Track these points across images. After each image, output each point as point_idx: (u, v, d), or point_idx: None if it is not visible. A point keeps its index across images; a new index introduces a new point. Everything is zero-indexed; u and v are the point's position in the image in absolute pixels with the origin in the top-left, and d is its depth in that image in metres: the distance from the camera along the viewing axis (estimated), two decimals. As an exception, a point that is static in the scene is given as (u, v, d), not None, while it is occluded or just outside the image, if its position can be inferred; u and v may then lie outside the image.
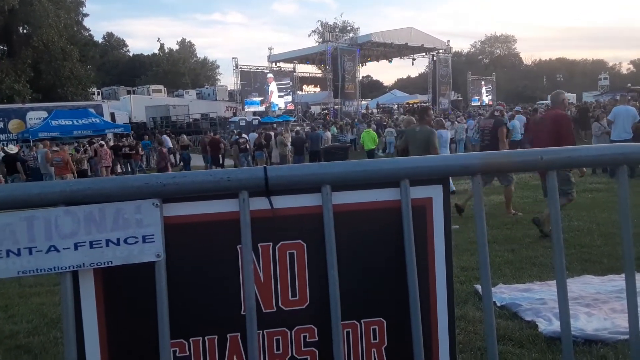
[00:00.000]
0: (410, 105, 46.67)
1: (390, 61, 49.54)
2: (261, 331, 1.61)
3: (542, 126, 6.45)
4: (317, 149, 17.52)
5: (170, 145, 22.92)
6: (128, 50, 79.16)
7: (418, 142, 6.90)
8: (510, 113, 19.21)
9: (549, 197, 1.72)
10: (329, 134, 17.20)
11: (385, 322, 1.69)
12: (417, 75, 74.86)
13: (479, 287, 4.07)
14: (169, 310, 1.51)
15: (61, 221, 1.45)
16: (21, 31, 36.85)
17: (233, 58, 39.66)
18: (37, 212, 1.45)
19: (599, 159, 1.83)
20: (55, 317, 4.19)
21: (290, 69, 45.01)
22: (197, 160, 20.97)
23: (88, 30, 49.14)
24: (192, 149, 23.43)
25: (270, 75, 41.25)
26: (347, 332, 1.66)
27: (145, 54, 75.49)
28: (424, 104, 44.90)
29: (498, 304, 3.79)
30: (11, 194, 1.49)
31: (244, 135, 19.99)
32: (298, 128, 23.52)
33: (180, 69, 68.99)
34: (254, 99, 39.78)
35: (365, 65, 52.43)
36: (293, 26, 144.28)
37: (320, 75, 50.76)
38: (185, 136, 23.66)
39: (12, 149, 17.23)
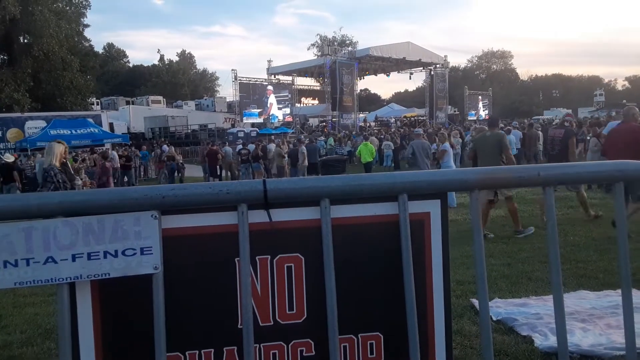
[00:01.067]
0: (408, 118, 46.97)
1: (388, 75, 49.88)
2: (258, 345, 1.60)
3: (617, 139, 6.64)
4: (315, 161, 17.54)
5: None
6: (128, 61, 79.63)
7: (489, 145, 7.13)
8: (507, 128, 19.33)
9: (547, 213, 1.73)
10: (304, 148, 17.29)
11: (382, 336, 1.68)
12: (415, 89, 75.30)
13: (475, 301, 4.06)
14: (165, 322, 1.50)
15: (59, 232, 1.46)
16: (22, 40, 36.92)
17: (232, 70, 39.88)
18: (35, 223, 1.46)
19: (596, 175, 1.85)
20: (49, 328, 4.15)
21: (289, 82, 45.26)
22: (195, 171, 21.00)
23: (89, 40, 49.35)
24: (189, 160, 23.41)
25: (270, 87, 41.47)
26: (344, 347, 1.66)
27: (145, 64, 75.94)
28: (422, 118, 45.13)
29: (494, 319, 3.78)
30: (10, 204, 1.49)
31: (247, 147, 19.99)
32: (302, 137, 23.58)
33: (179, 80, 69.24)
34: (253, 110, 39.92)
35: (363, 78, 52.72)
36: (292, 39, 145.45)
37: (318, 88, 51.01)
38: (173, 148, 23.56)
39: (9, 157, 17.17)
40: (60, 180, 5.54)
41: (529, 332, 3.51)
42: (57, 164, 5.60)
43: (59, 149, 5.70)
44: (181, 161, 20.88)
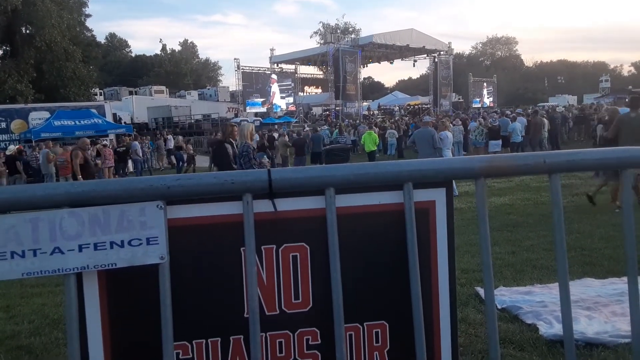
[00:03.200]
0: (412, 106, 46.75)
1: (391, 62, 49.60)
2: (264, 334, 1.61)
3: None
4: (319, 151, 17.53)
5: (172, 146, 23.03)
6: (130, 51, 79.44)
7: (638, 126, 6.92)
8: (512, 115, 19.23)
9: (552, 201, 1.72)
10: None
11: (387, 325, 1.69)
12: (419, 76, 75.04)
13: (479, 289, 4.07)
14: (172, 312, 1.51)
15: (66, 223, 1.46)
16: (24, 31, 36.86)
17: (235, 59, 39.67)
18: (41, 214, 1.46)
19: (602, 162, 1.84)
20: (56, 318, 4.20)
21: (291, 70, 45.08)
22: (201, 161, 21.03)
23: (91, 30, 49.35)
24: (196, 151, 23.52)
25: (273, 76, 41.33)
26: (350, 335, 1.66)
27: (148, 54, 75.73)
28: (426, 106, 44.88)
29: (499, 307, 3.78)
30: (16, 195, 1.50)
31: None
32: (307, 129, 23.56)
33: (182, 69, 69.08)
34: (256, 100, 39.86)
35: (367, 66, 52.47)
36: (294, 27, 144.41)
37: (321, 76, 50.80)
38: (180, 137, 23.76)
39: (11, 149, 17.22)
40: (255, 157, 6.14)
41: (533, 320, 3.52)
42: (248, 141, 6.12)
43: (249, 128, 6.27)
44: (191, 151, 20.90)
